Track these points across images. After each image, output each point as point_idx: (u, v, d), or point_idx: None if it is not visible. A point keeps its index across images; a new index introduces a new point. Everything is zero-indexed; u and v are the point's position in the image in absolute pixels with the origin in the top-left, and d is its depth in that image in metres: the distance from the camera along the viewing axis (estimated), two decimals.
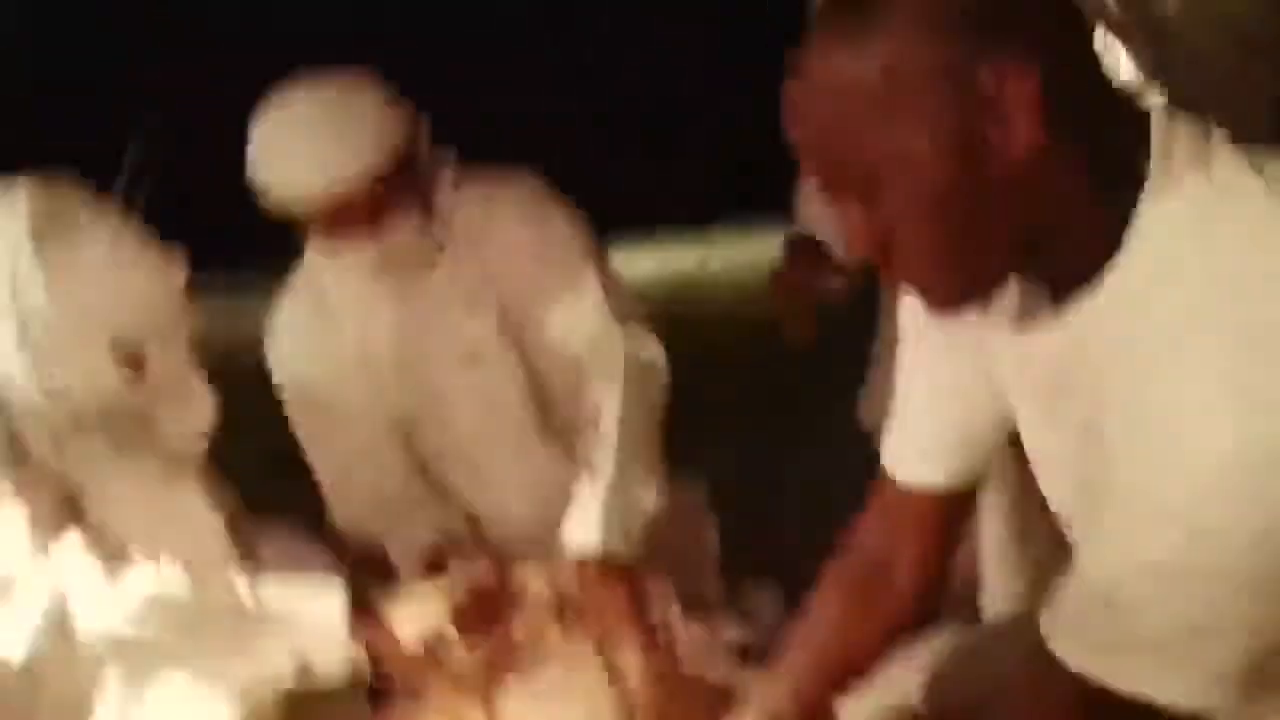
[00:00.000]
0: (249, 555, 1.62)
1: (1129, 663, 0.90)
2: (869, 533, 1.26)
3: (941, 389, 1.14)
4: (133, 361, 1.54)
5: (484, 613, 1.53)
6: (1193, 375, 0.83)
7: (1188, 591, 0.85)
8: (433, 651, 1.51)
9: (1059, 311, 0.93)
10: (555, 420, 1.92)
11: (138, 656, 1.45)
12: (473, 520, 1.95)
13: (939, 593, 1.30)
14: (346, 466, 1.90)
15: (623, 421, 1.71)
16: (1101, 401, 0.91)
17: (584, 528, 1.63)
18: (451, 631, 1.49)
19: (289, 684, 1.46)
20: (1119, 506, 0.89)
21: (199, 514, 1.62)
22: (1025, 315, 0.97)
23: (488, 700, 1.50)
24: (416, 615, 1.51)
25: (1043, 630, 0.95)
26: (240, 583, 1.51)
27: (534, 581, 1.60)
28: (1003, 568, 1.81)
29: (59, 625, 1.45)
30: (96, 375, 1.53)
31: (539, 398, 1.92)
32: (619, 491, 1.65)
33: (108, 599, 1.46)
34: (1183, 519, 0.83)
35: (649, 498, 1.69)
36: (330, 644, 1.48)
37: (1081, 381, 0.93)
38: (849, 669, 1.26)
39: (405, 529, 1.87)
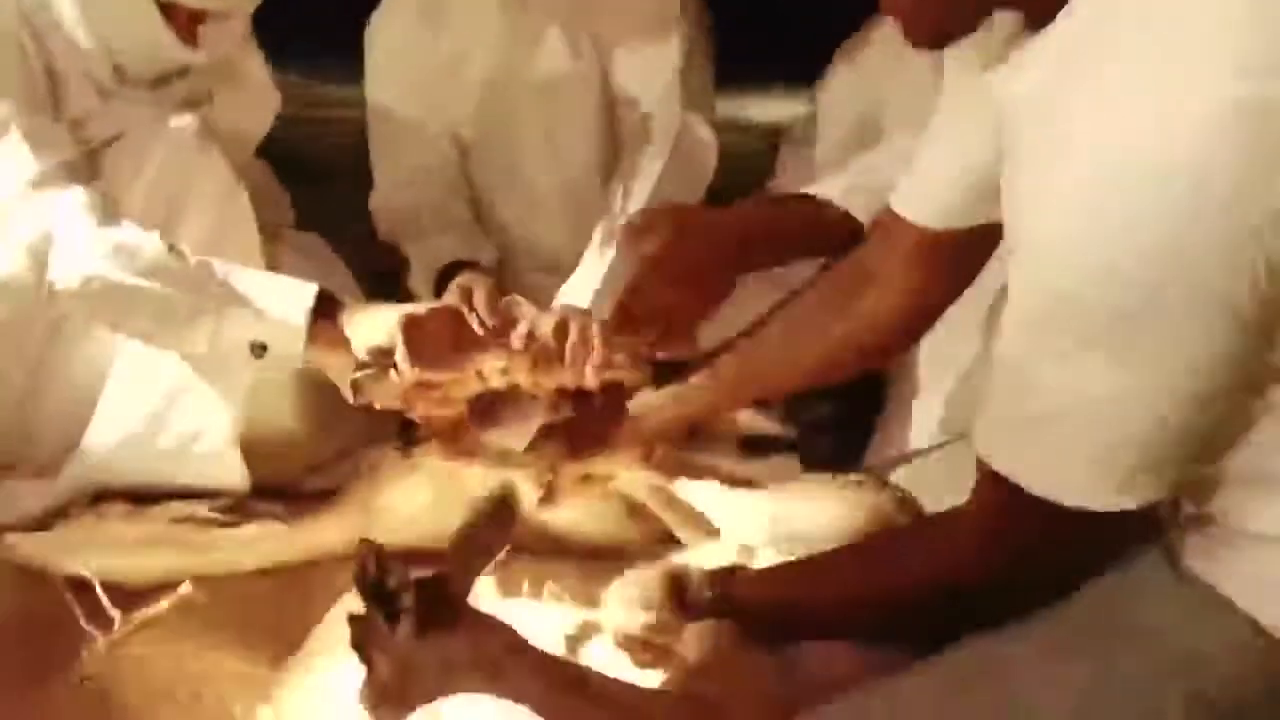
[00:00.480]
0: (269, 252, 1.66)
1: (1037, 459, 0.97)
2: (865, 251, 1.38)
3: (948, 132, 1.21)
4: (185, 23, 1.62)
5: (438, 335, 1.49)
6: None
7: (1073, 370, 0.92)
8: (373, 361, 1.50)
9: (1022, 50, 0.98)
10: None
11: (104, 302, 1.51)
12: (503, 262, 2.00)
13: (909, 337, 1.42)
14: (403, 177, 1.99)
15: (655, 193, 1.74)
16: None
17: (584, 286, 1.65)
18: (399, 347, 1.47)
19: (244, 361, 1.51)
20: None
21: (224, 196, 1.64)
22: (1000, 54, 1.02)
23: (453, 445, 1.54)
24: (377, 327, 1.50)
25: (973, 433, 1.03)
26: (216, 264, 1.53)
27: (527, 323, 1.56)
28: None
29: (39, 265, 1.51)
30: (146, 29, 1.62)
31: (609, 143, 1.96)
32: None
33: (89, 245, 1.50)
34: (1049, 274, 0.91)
35: None
36: (288, 334, 1.49)
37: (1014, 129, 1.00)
38: (790, 365, 1.41)
39: (435, 242, 1.91)
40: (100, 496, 1.63)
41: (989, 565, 1.05)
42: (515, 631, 1.19)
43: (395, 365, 1.47)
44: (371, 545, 1.17)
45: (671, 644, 1.29)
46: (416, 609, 1.15)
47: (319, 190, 2.21)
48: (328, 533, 1.62)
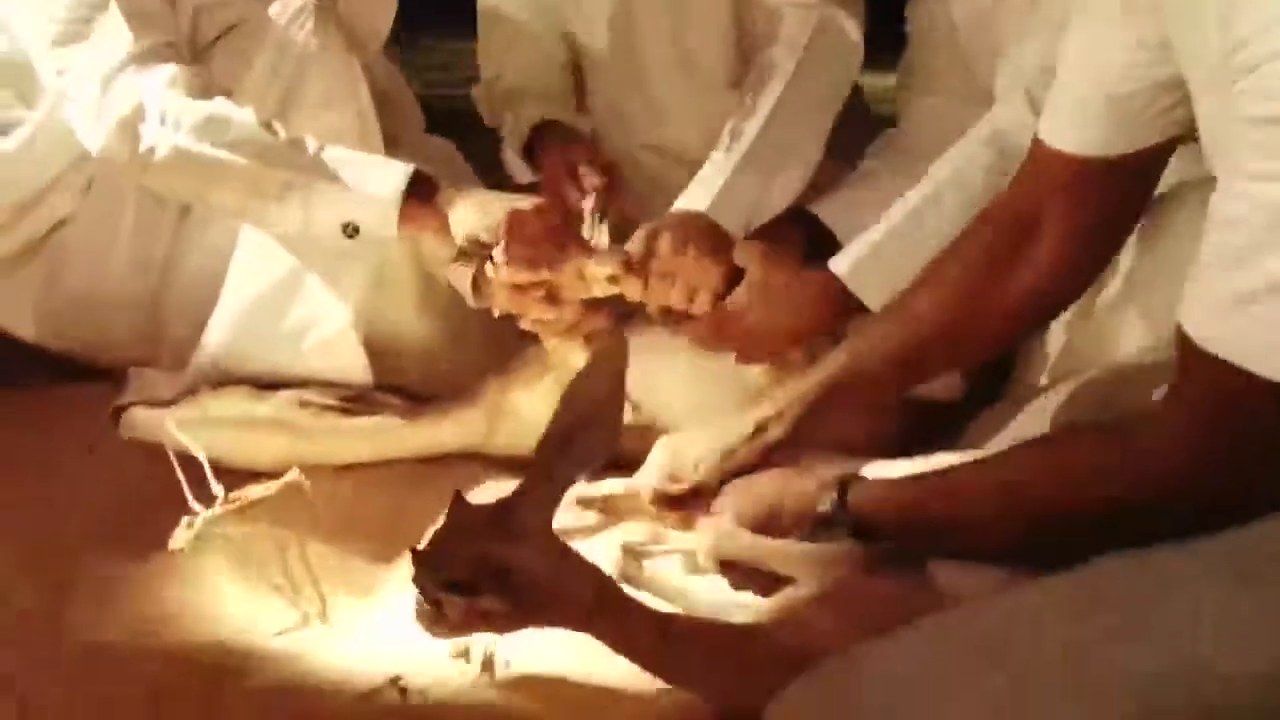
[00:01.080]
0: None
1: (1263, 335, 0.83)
2: (1016, 194, 1.24)
3: (1091, 47, 1.12)
4: None
5: (541, 234, 1.41)
6: None
7: None
8: (471, 251, 1.44)
9: None
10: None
11: (194, 175, 1.48)
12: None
13: (1081, 279, 1.25)
14: (508, 62, 1.90)
15: (784, 99, 1.58)
16: None
17: (699, 194, 1.52)
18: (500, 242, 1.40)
19: (334, 236, 1.46)
20: None
21: (340, 91, 1.58)
22: None
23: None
24: (481, 217, 1.43)
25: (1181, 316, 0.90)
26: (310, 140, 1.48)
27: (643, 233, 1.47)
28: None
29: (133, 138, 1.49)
30: None
31: (739, 50, 1.82)
32: (751, 169, 1.53)
33: (179, 116, 1.48)
34: None
35: (782, 190, 1.56)
36: (379, 212, 1.44)
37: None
38: (959, 335, 1.26)
39: (530, 108, 1.82)
40: (224, 384, 1.59)
41: (1204, 470, 0.90)
42: (598, 572, 1.10)
43: (492, 259, 1.40)
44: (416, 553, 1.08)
45: (766, 565, 1.18)
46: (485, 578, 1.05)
47: None
48: (446, 432, 1.55)
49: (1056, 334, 1.41)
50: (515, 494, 1.11)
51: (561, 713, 1.12)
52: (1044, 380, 1.40)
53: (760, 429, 1.32)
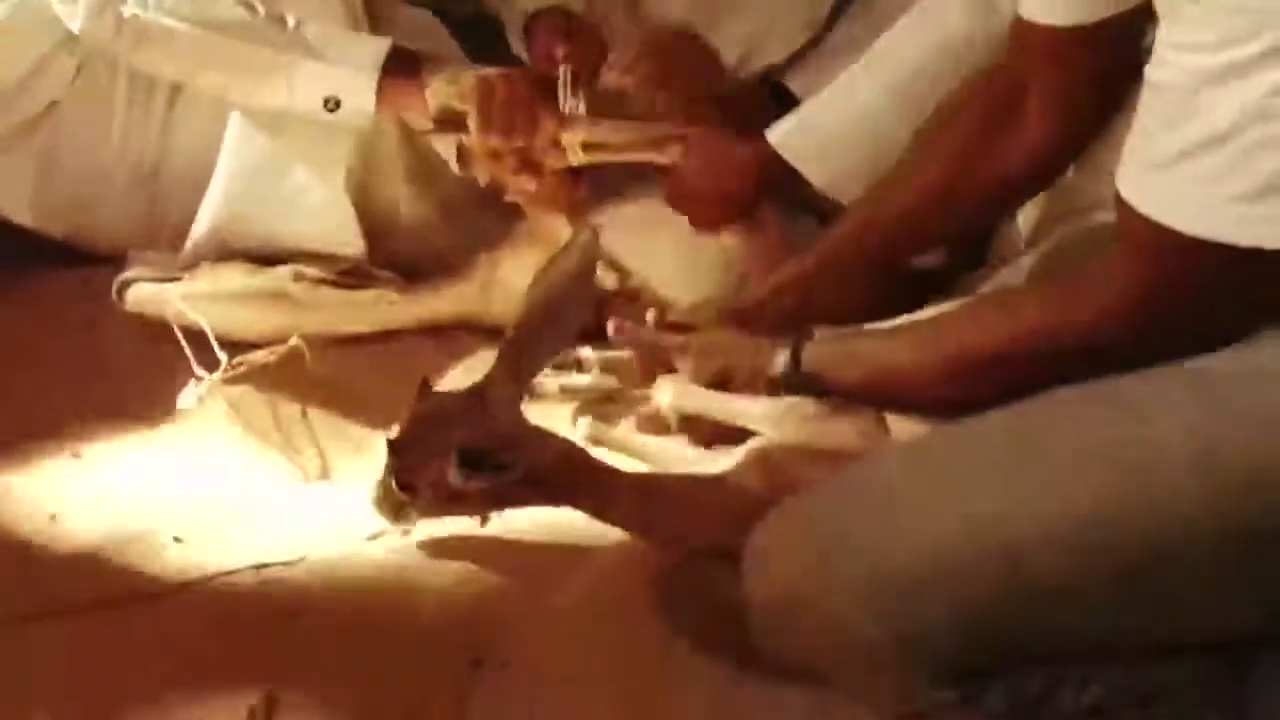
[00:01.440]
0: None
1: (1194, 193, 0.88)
2: (1005, 67, 1.26)
3: None
4: None
5: (511, 101, 1.45)
6: None
7: None
8: (445, 123, 1.48)
9: None
10: None
11: (178, 54, 1.51)
12: None
13: (1071, 145, 1.27)
14: None
15: None
16: None
17: None
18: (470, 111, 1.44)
19: (316, 111, 1.49)
20: None
21: None
22: None
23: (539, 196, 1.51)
24: (450, 88, 1.47)
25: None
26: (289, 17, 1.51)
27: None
28: None
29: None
30: None
31: None
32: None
33: None
34: None
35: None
36: (358, 87, 1.47)
37: None
38: (949, 210, 1.29)
39: None
40: (223, 259, 1.63)
41: (1139, 325, 0.95)
42: (571, 446, 1.15)
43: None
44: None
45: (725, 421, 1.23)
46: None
47: None
48: (443, 302, 1.59)
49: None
50: (485, 380, 1.14)
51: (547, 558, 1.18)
52: (1022, 244, 1.45)
53: (774, 293, 1.37)
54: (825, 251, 1.38)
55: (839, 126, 1.45)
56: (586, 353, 1.44)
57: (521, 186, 1.52)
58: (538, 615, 1.09)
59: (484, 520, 1.16)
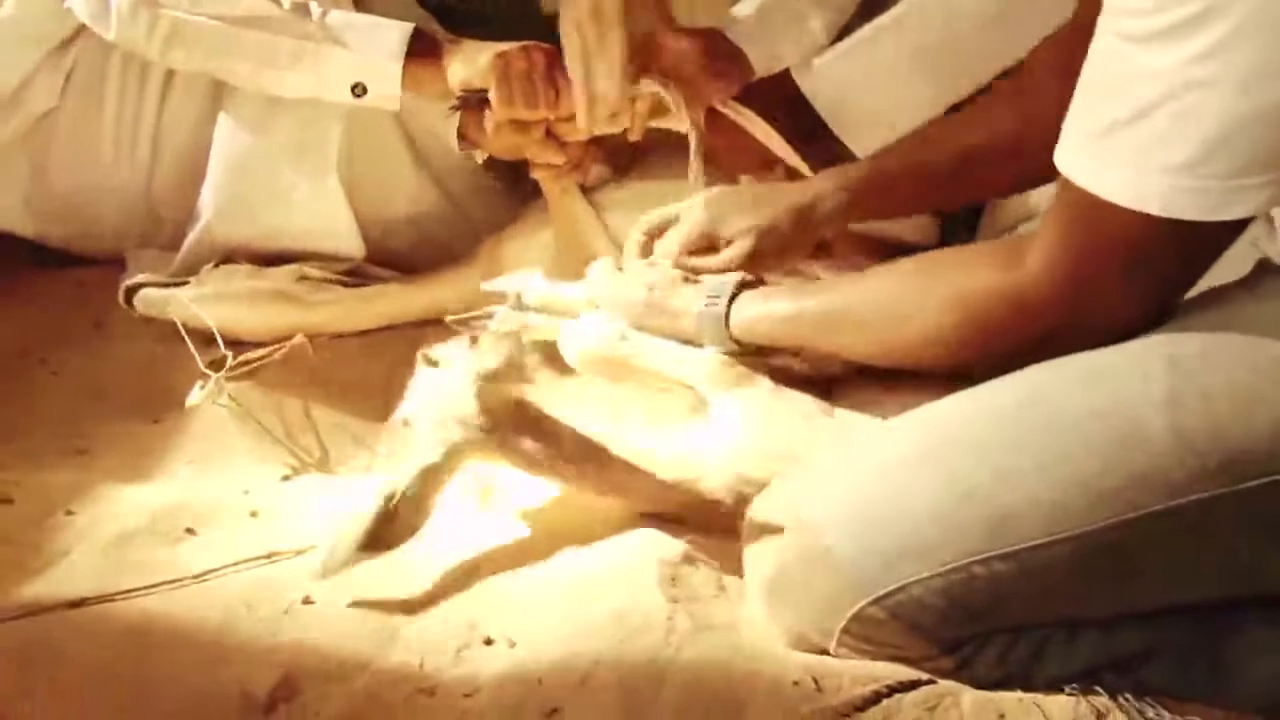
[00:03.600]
0: None
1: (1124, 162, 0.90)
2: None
3: None
4: None
5: (529, 72, 1.47)
6: None
7: None
8: (468, 98, 1.51)
9: None
10: None
11: (207, 49, 1.54)
12: None
13: None
14: None
15: None
16: None
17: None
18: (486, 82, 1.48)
19: (344, 96, 1.52)
20: None
21: None
22: None
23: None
24: (470, 63, 1.50)
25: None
26: (314, 6, 1.54)
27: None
28: None
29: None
30: None
31: None
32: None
33: None
34: None
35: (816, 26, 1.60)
36: (384, 72, 1.51)
37: None
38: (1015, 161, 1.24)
39: None
40: (226, 262, 1.66)
41: (1074, 290, 0.97)
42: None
43: (489, 104, 1.46)
44: None
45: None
46: None
47: None
48: (446, 289, 1.62)
49: None
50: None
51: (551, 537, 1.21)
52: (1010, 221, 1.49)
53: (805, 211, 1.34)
54: (873, 170, 1.35)
55: (859, 77, 1.49)
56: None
57: (548, 159, 1.55)
58: (542, 594, 1.12)
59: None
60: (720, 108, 1.52)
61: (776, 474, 1.11)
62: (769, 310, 1.20)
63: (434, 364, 1.20)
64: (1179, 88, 0.86)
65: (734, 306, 1.21)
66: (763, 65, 1.55)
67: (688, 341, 1.25)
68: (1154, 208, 0.89)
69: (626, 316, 1.29)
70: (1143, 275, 0.95)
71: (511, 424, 1.16)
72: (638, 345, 1.27)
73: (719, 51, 1.52)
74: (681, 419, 1.30)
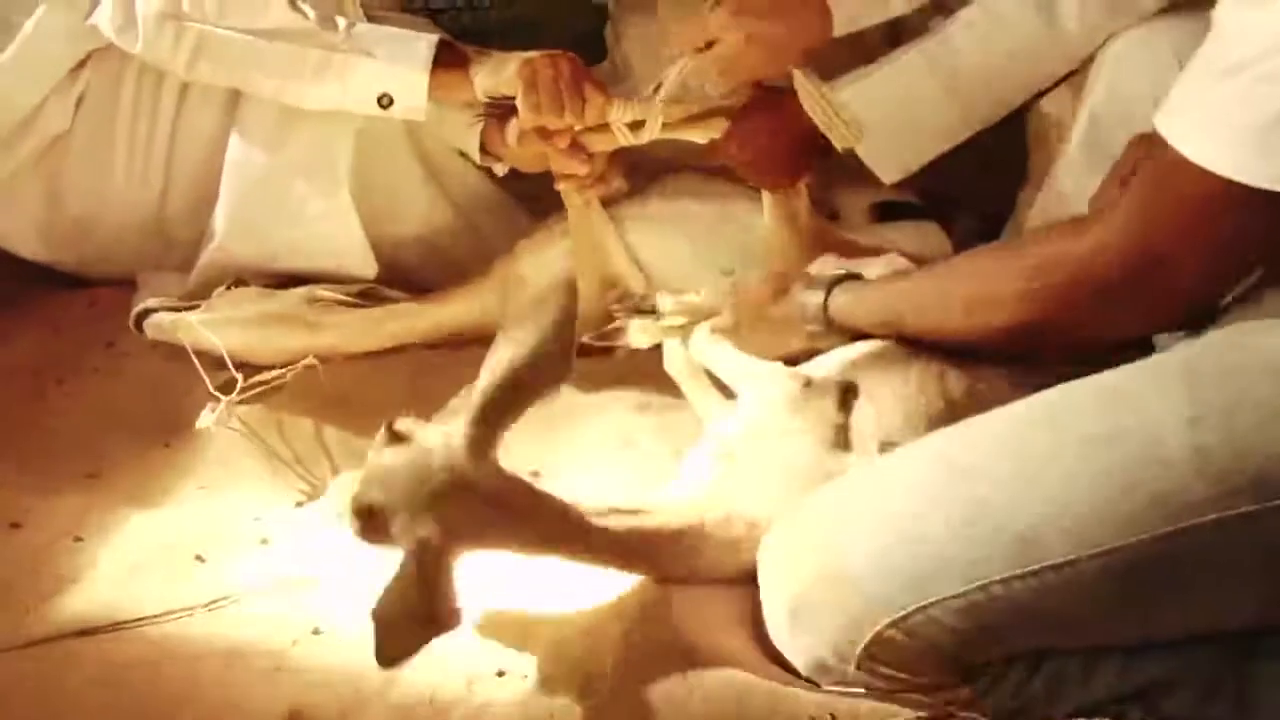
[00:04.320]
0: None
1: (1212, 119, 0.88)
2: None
3: None
4: None
5: (555, 79, 1.46)
6: None
7: None
8: (493, 105, 1.52)
9: None
10: None
11: (234, 61, 1.53)
12: None
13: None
14: None
15: None
16: None
17: None
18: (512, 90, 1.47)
19: (370, 107, 1.52)
20: None
21: None
22: None
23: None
24: (497, 72, 1.50)
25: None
26: (340, 19, 1.54)
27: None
28: None
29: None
30: None
31: None
32: None
33: (212, 5, 1.52)
34: None
35: None
36: (411, 82, 1.50)
37: None
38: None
39: None
40: (238, 284, 1.65)
41: (1129, 253, 0.96)
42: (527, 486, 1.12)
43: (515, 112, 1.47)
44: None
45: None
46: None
47: None
48: (457, 308, 1.61)
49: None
50: (463, 438, 1.07)
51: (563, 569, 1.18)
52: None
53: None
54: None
55: (888, 102, 1.49)
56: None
57: (573, 169, 1.54)
58: (554, 626, 1.10)
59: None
60: (796, 71, 1.49)
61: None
62: (864, 294, 1.24)
63: (401, 439, 1.09)
64: (1266, 50, 0.85)
65: (833, 293, 1.25)
66: (842, 24, 1.52)
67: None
68: (1225, 169, 0.88)
69: (737, 319, 1.32)
70: (1206, 242, 0.93)
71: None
72: (722, 353, 1.31)
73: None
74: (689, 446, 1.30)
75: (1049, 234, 1.09)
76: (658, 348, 1.44)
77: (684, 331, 1.39)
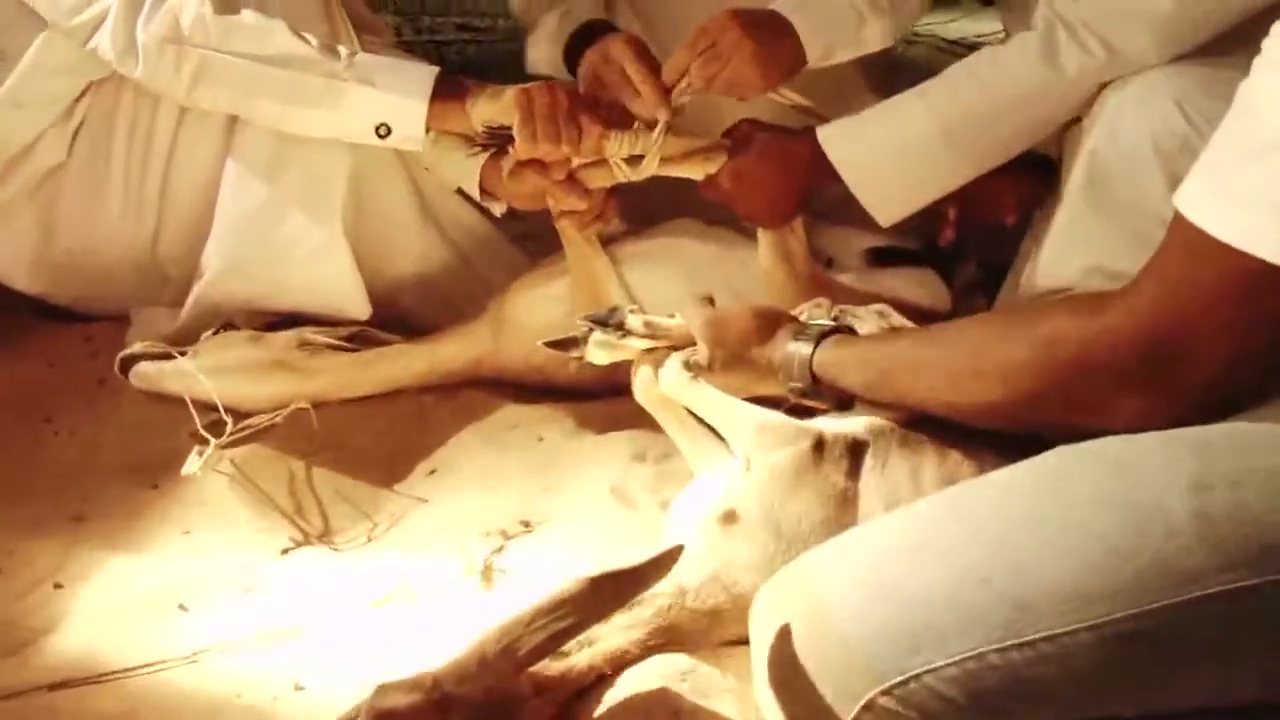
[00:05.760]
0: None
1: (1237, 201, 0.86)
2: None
3: None
4: None
5: (552, 110, 1.45)
6: None
7: None
8: (489, 135, 1.51)
9: None
10: None
11: (233, 87, 1.53)
12: None
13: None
14: None
15: None
16: None
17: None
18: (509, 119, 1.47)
19: (368, 137, 1.52)
20: None
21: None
22: None
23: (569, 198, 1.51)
24: (493, 103, 1.50)
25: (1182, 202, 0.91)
26: (342, 48, 1.53)
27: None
28: None
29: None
30: None
31: None
32: None
33: (213, 31, 1.51)
34: None
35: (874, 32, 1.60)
36: (409, 113, 1.51)
37: None
38: None
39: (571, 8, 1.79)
40: (228, 327, 1.63)
41: (1149, 331, 0.93)
42: None
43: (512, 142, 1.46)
44: None
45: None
46: None
47: None
48: (451, 348, 1.59)
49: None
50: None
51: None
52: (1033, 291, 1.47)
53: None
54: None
55: (886, 146, 1.49)
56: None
57: (571, 204, 1.53)
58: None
59: None
60: (774, 96, 1.51)
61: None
62: (853, 352, 1.18)
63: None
64: None
65: (820, 347, 1.19)
66: (816, 53, 1.54)
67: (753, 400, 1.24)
68: (1263, 251, 0.85)
69: (712, 357, 1.26)
70: (1233, 327, 0.90)
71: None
72: (703, 393, 1.25)
73: (766, 25, 1.51)
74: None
75: (1067, 305, 1.05)
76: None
77: (652, 357, 1.31)
